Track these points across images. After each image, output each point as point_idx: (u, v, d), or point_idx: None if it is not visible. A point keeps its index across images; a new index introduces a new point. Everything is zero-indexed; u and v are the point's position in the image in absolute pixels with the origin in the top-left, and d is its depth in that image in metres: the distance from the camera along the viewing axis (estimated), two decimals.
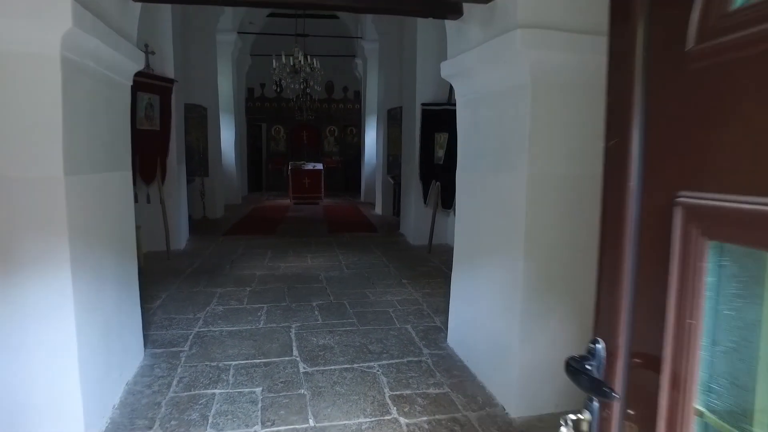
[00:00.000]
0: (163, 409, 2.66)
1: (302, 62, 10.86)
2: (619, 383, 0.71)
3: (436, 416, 2.66)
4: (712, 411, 0.62)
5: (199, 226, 8.50)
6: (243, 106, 14.54)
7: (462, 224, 3.52)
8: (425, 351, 3.51)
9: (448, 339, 3.68)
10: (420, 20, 6.97)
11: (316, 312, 4.30)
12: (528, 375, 2.68)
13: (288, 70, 11.10)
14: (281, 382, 3.00)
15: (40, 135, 2.09)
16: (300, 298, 4.69)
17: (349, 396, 2.85)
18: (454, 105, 3.67)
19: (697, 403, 0.61)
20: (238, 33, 11.83)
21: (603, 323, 0.75)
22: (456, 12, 3.19)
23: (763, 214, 0.51)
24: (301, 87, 12.28)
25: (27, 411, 2.17)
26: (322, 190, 13.02)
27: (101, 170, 2.60)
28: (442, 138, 6.76)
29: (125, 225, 3.03)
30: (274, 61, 10.90)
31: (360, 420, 2.60)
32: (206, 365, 3.21)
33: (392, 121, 9.65)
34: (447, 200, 6.77)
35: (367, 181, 13.32)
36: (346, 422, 2.58)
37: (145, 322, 3.54)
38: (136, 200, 5.95)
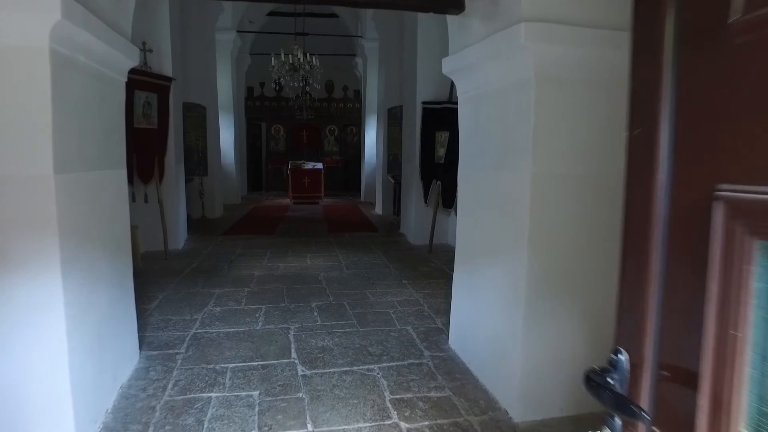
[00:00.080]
0: (157, 414, 2.59)
1: (301, 60, 10.80)
2: (645, 400, 0.63)
3: (438, 421, 2.59)
4: None
5: (198, 225, 8.44)
6: (242, 105, 14.50)
7: (463, 224, 3.45)
8: (426, 353, 3.43)
9: (449, 341, 3.61)
10: (420, 18, 6.91)
11: (316, 313, 4.23)
12: (532, 378, 2.61)
13: (287, 67, 11.04)
14: (279, 386, 2.93)
15: (29, 131, 2.02)
16: (299, 298, 4.62)
17: (349, 400, 2.78)
18: (455, 103, 3.60)
19: (743, 426, 0.53)
20: (238, 32, 11.78)
21: (626, 332, 0.67)
22: (457, 7, 3.12)
23: None
24: (301, 85, 12.23)
25: (15, 416, 2.09)
26: (322, 189, 12.98)
27: (94, 168, 2.53)
28: (443, 137, 6.69)
29: (120, 224, 2.96)
30: (273, 59, 10.84)
31: (360, 425, 2.53)
32: (203, 368, 3.14)
33: (392, 120, 9.59)
34: (448, 200, 6.70)
35: (367, 180, 13.26)
36: (346, 427, 2.51)
37: (141, 323, 3.48)
38: (133, 199, 5.94)
